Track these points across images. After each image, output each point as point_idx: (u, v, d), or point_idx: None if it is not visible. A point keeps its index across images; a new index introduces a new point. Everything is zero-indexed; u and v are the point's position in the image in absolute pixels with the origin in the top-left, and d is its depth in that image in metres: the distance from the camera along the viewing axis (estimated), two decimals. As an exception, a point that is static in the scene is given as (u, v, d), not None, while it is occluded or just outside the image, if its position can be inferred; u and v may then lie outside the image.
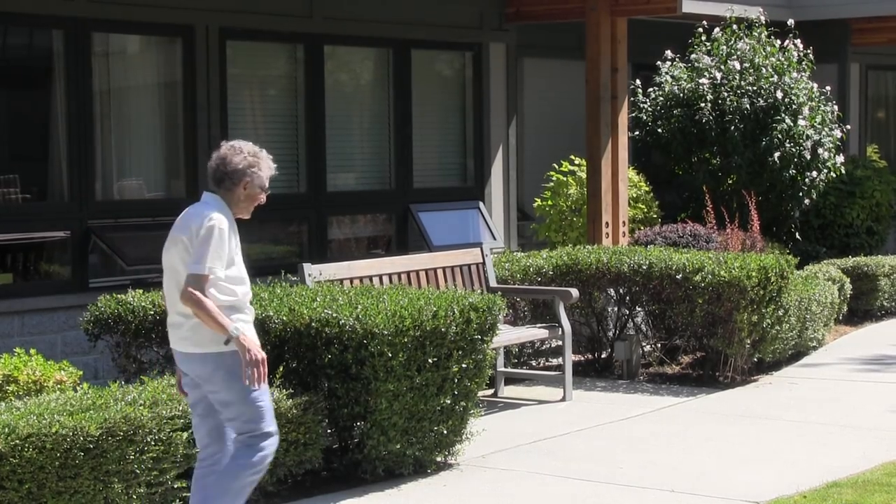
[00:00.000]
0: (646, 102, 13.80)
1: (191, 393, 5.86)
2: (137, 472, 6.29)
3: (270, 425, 5.72)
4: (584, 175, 12.60)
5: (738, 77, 13.38)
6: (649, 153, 14.25)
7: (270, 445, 5.72)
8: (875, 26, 16.46)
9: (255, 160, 5.81)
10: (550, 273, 10.40)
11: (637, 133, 13.69)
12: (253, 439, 5.69)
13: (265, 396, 5.70)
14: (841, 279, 12.27)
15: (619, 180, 12.11)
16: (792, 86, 13.35)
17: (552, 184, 13.09)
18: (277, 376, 7.04)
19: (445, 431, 7.51)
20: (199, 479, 5.79)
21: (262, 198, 5.86)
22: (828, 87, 14.12)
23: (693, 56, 13.69)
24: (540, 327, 9.89)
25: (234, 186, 5.79)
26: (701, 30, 13.73)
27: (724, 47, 13.60)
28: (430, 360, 7.28)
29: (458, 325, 7.38)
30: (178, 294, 5.66)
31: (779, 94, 13.20)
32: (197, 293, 5.57)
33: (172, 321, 5.83)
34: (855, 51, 17.08)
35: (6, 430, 5.92)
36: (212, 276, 5.63)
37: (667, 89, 13.62)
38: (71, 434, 6.05)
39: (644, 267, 10.16)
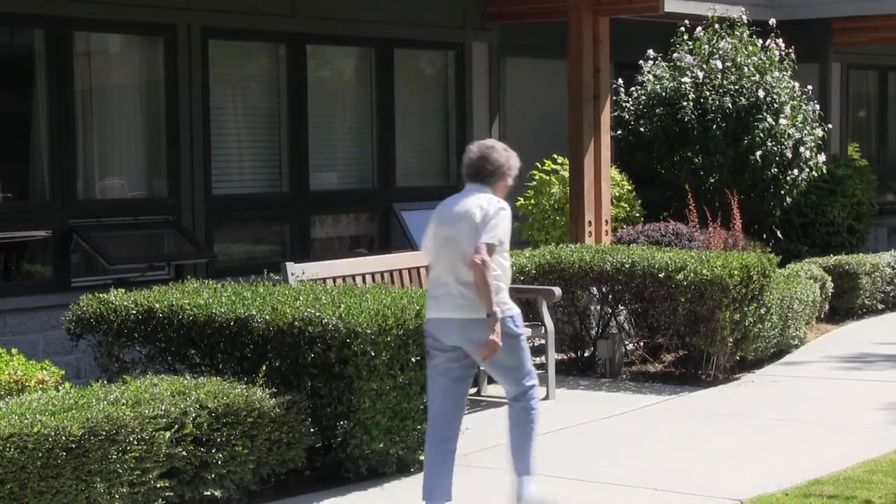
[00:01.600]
0: (628, 101, 13.82)
1: (446, 362, 6.49)
2: (120, 471, 6.28)
3: (535, 378, 6.72)
4: (566, 174, 12.61)
5: (720, 76, 13.41)
6: (632, 152, 14.27)
7: (537, 392, 6.74)
8: (856, 26, 16.52)
9: (508, 155, 6.65)
10: (533, 272, 10.41)
11: (619, 132, 13.71)
12: (528, 391, 6.65)
13: (525, 350, 6.66)
14: (822, 277, 12.32)
15: (602, 179, 12.13)
16: (774, 85, 13.39)
17: (535, 183, 13.10)
18: (260, 376, 7.04)
19: (428, 430, 7.50)
20: (443, 442, 6.50)
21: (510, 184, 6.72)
22: (809, 87, 14.16)
23: (675, 55, 13.72)
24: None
25: (497, 178, 6.58)
26: (683, 29, 13.75)
27: (707, 46, 13.63)
28: (413, 359, 7.29)
29: (441, 323, 7.37)
30: (463, 265, 6.37)
31: (761, 94, 13.23)
32: (487, 259, 6.31)
33: (450, 291, 6.44)
34: (836, 50, 17.15)
35: (-12, 430, 5.90)
36: (498, 246, 6.40)
37: (649, 88, 13.65)
38: (53, 434, 6.04)
39: (627, 266, 10.17)
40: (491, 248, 6.33)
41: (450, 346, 6.49)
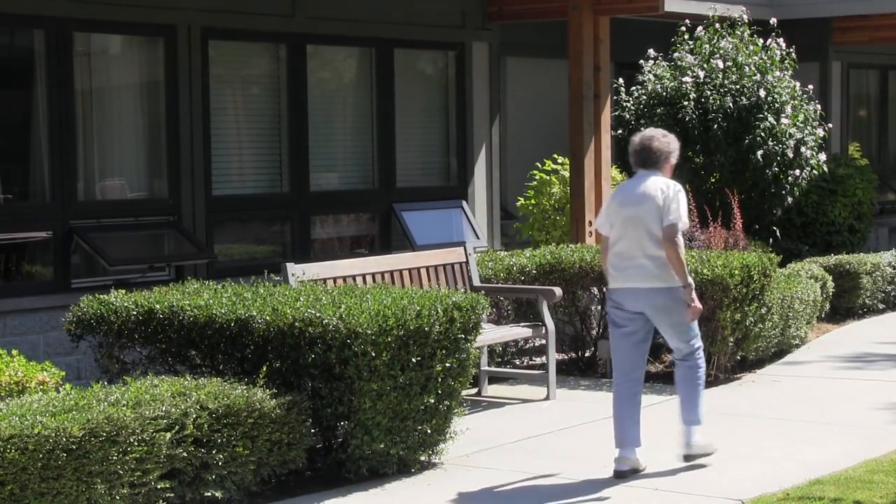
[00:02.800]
0: (629, 101, 13.82)
1: (632, 325, 7.42)
2: (120, 472, 6.28)
3: (700, 340, 7.58)
4: (567, 174, 12.61)
5: (720, 76, 13.40)
6: (632, 152, 14.26)
7: (703, 353, 7.62)
8: (856, 25, 16.53)
9: (667, 140, 7.55)
10: (534, 272, 10.41)
11: (620, 132, 13.70)
12: (695, 351, 7.53)
13: (696, 325, 7.57)
14: (823, 277, 12.31)
15: (602, 179, 12.13)
16: (774, 84, 13.38)
17: (535, 183, 13.10)
18: (261, 376, 7.03)
19: (429, 431, 7.51)
20: (631, 396, 7.45)
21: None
22: (810, 86, 14.16)
23: (676, 55, 13.72)
24: (523, 326, 9.89)
25: (662, 162, 7.49)
26: (684, 28, 13.75)
27: (707, 46, 13.62)
28: (413, 360, 7.28)
29: (442, 324, 7.38)
30: (648, 240, 7.31)
31: (761, 93, 13.23)
32: (677, 237, 7.27)
33: (638, 264, 7.36)
34: (836, 49, 17.15)
35: (-12, 431, 5.90)
36: (682, 226, 7.32)
37: (650, 88, 13.64)
38: (53, 435, 6.04)
39: (627, 265, 10.15)
40: (677, 227, 7.29)
41: (633, 313, 7.42)
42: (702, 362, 7.60)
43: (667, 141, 7.55)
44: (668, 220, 7.29)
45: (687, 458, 7.55)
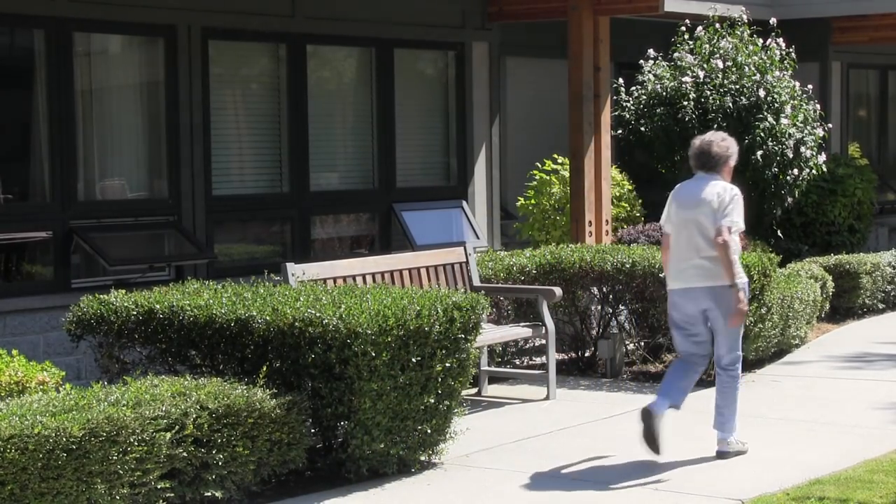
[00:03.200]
0: (629, 101, 13.82)
1: (692, 328, 7.77)
2: (120, 472, 6.28)
3: (741, 351, 7.92)
4: (567, 174, 12.61)
5: (720, 76, 13.40)
6: (632, 152, 14.27)
7: (740, 363, 7.94)
8: (856, 25, 16.53)
9: (727, 145, 7.89)
10: (534, 272, 10.41)
11: (620, 132, 13.70)
12: (736, 362, 7.86)
13: (741, 335, 7.90)
14: (823, 277, 12.31)
15: (602, 179, 12.13)
16: (774, 84, 13.38)
17: (535, 182, 13.10)
18: (261, 376, 7.04)
19: (429, 431, 7.51)
20: (680, 368, 7.84)
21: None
22: (810, 86, 14.16)
23: (676, 55, 13.72)
24: (523, 326, 9.89)
25: (721, 165, 7.80)
26: (684, 28, 13.75)
27: (707, 46, 13.62)
28: (413, 360, 7.28)
29: (442, 324, 7.38)
30: (704, 242, 7.64)
31: (761, 93, 13.23)
32: (729, 239, 7.58)
33: (694, 264, 7.71)
34: (836, 49, 17.15)
35: (-12, 431, 5.90)
36: (736, 228, 7.63)
37: (650, 88, 13.64)
38: (53, 435, 6.04)
39: (627, 265, 10.17)
40: (729, 230, 7.59)
41: (691, 315, 7.76)
42: (738, 373, 7.90)
43: (725, 145, 7.85)
44: (719, 222, 7.60)
45: (721, 454, 7.83)
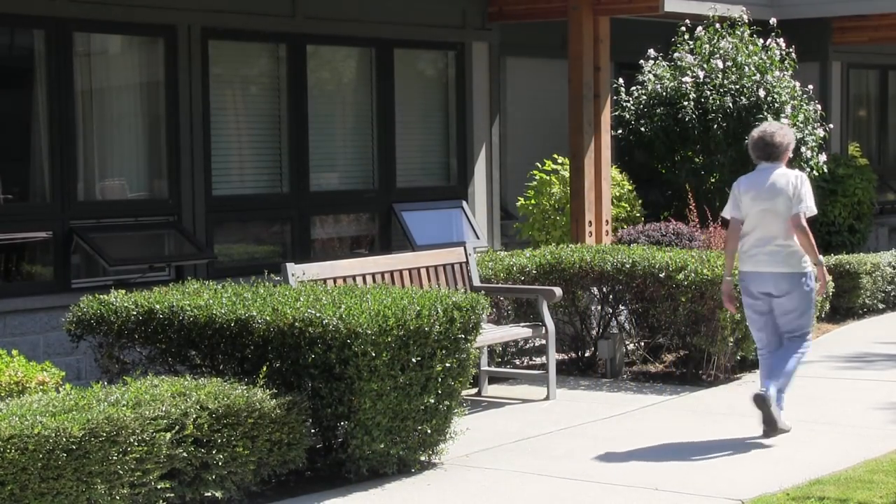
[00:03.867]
0: (629, 101, 13.82)
1: (758, 305, 8.26)
2: (120, 472, 6.28)
3: (812, 329, 8.40)
4: (567, 174, 12.61)
5: (720, 76, 13.41)
6: (632, 152, 14.27)
7: (811, 342, 8.43)
8: (856, 25, 16.53)
9: (784, 133, 8.28)
10: (534, 272, 10.41)
11: (620, 132, 13.70)
12: (804, 336, 8.28)
13: (815, 305, 8.36)
14: (823, 277, 12.29)
15: (602, 179, 12.13)
16: (774, 84, 13.38)
17: (535, 183, 13.10)
18: (261, 376, 7.04)
19: (429, 431, 7.51)
20: (766, 358, 8.35)
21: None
22: (810, 86, 14.16)
23: (676, 55, 13.72)
24: (523, 326, 9.89)
25: (782, 154, 8.23)
26: (684, 28, 13.75)
27: (707, 46, 13.62)
28: (413, 360, 7.28)
29: (442, 324, 7.38)
30: (781, 230, 8.09)
31: (761, 93, 13.23)
32: (805, 224, 8.04)
33: (768, 251, 8.15)
34: (836, 49, 17.15)
35: (-12, 431, 5.90)
36: (809, 213, 8.09)
37: (650, 88, 13.64)
38: (53, 435, 6.04)
39: (627, 265, 10.17)
40: (804, 215, 8.06)
41: (760, 294, 8.22)
42: (806, 350, 8.35)
43: (784, 133, 8.28)
44: (796, 209, 8.07)
45: (767, 432, 8.21)
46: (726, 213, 8.42)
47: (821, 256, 8.21)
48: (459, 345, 7.54)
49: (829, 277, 8.36)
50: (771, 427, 8.14)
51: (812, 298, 8.26)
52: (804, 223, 8.09)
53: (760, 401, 8.12)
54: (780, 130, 8.27)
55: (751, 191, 8.24)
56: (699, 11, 13.90)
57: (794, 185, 8.12)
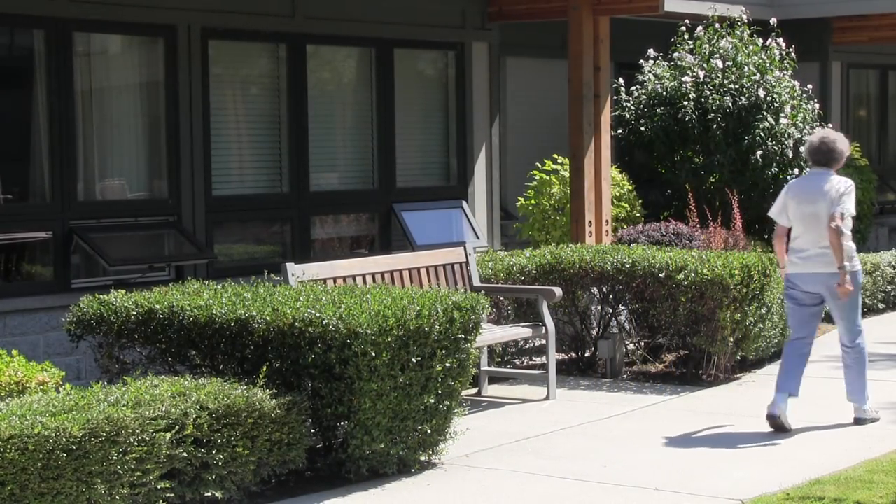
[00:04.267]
0: (629, 101, 13.82)
1: (807, 300, 8.65)
2: (120, 472, 6.28)
3: (862, 327, 8.78)
4: (567, 174, 12.61)
5: (720, 75, 13.41)
6: (632, 152, 14.27)
7: (864, 339, 8.80)
8: (856, 25, 16.53)
9: (845, 142, 8.63)
10: (534, 272, 10.40)
11: (620, 132, 13.71)
12: (857, 337, 8.72)
13: (859, 305, 8.74)
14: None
15: (602, 179, 12.13)
16: (774, 84, 13.39)
17: (535, 183, 13.10)
18: (261, 376, 7.03)
19: (429, 431, 7.51)
20: (800, 356, 8.67)
21: None
22: (810, 86, 14.16)
23: (676, 55, 13.72)
24: (523, 326, 9.89)
25: (836, 161, 8.55)
26: (684, 28, 13.75)
27: (707, 46, 13.63)
28: (413, 360, 7.28)
29: (442, 324, 7.38)
30: (824, 232, 8.39)
31: (761, 93, 13.23)
32: (841, 224, 8.33)
33: (817, 253, 8.51)
34: (836, 49, 17.15)
35: (-12, 431, 5.90)
36: (848, 214, 8.39)
37: (650, 88, 13.64)
38: (53, 435, 6.04)
39: (627, 265, 10.17)
40: (842, 216, 8.34)
41: (808, 292, 8.61)
42: (863, 347, 8.73)
43: (843, 141, 8.61)
44: (833, 210, 8.37)
45: (858, 421, 8.68)
46: (772, 214, 8.81)
47: (847, 263, 8.37)
48: (459, 345, 7.54)
49: (850, 287, 8.50)
50: (782, 430, 8.47)
51: (860, 297, 8.68)
52: (839, 223, 8.32)
53: (772, 419, 8.45)
54: (840, 138, 8.59)
55: (799, 195, 8.59)
56: (699, 11, 13.91)
57: (838, 190, 8.43)
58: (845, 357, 8.77)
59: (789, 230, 8.73)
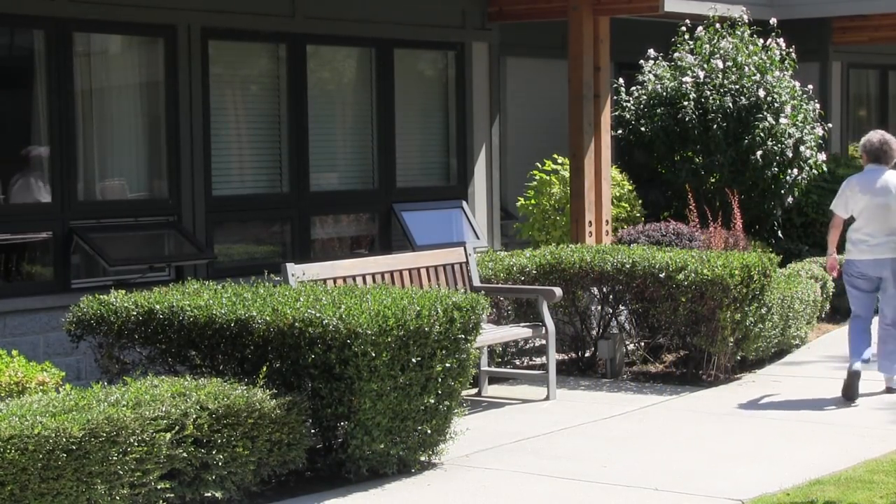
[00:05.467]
0: (629, 101, 13.82)
1: (869, 285, 9.61)
2: (120, 473, 6.28)
3: None
4: (567, 174, 12.61)
5: (720, 76, 13.40)
6: (632, 152, 14.27)
7: None
8: (856, 25, 16.53)
9: (895, 140, 9.63)
10: (534, 272, 10.40)
11: (620, 132, 13.70)
12: None
13: None
14: (823, 277, 12.29)
15: (602, 179, 12.13)
16: (774, 84, 13.38)
17: (535, 183, 13.10)
18: (261, 377, 7.04)
19: (429, 431, 7.51)
20: (864, 331, 9.64)
21: None
22: (810, 86, 14.16)
23: (676, 55, 13.72)
24: (524, 326, 9.89)
25: (891, 159, 9.55)
26: (684, 29, 13.75)
27: (707, 46, 13.62)
28: (413, 360, 7.28)
29: (442, 324, 7.38)
30: (890, 221, 9.42)
31: (761, 93, 13.23)
32: None
33: (885, 240, 9.48)
34: (836, 49, 17.15)
35: (-12, 431, 5.90)
36: None
37: (650, 88, 13.64)
38: (53, 435, 6.04)
39: (627, 266, 10.17)
40: None
41: (875, 277, 9.53)
42: None
43: None
44: None
45: (890, 390, 9.60)
46: (834, 208, 9.69)
47: None
48: (459, 345, 7.54)
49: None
50: (852, 397, 9.32)
51: None
52: None
53: (856, 376, 9.30)
54: (893, 139, 9.58)
55: (864, 189, 9.48)
56: (699, 11, 13.90)
57: None
58: (884, 334, 9.59)
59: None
